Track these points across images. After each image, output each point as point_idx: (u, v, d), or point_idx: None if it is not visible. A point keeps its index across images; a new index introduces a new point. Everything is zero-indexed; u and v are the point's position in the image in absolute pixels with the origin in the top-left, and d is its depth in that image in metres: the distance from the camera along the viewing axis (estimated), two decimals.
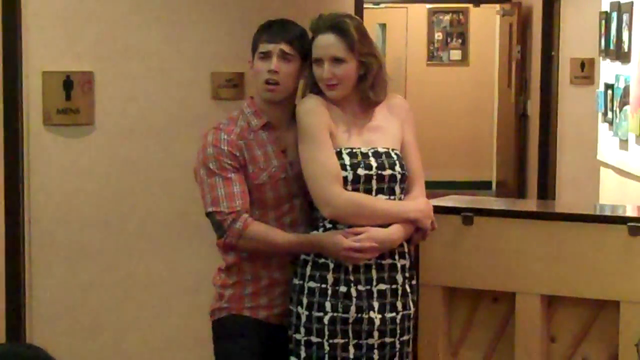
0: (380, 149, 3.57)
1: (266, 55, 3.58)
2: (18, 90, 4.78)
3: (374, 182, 3.51)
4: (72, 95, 4.86)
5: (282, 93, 3.60)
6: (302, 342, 3.53)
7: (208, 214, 3.58)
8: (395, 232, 3.52)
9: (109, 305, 5.03)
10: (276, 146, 3.63)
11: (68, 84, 4.85)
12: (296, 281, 3.57)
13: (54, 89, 4.83)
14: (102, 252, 4.99)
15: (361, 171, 3.50)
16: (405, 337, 3.61)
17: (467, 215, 4.25)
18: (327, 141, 3.50)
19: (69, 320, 4.99)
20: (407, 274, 3.62)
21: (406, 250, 3.62)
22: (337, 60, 3.53)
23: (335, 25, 3.55)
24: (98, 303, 5.02)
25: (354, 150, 3.53)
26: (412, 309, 3.64)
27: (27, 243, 4.87)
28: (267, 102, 3.63)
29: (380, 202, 3.53)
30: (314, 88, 3.62)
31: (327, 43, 3.54)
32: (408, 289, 3.62)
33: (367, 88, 3.58)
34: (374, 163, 3.52)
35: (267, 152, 3.61)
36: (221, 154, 3.56)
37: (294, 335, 3.56)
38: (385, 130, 3.63)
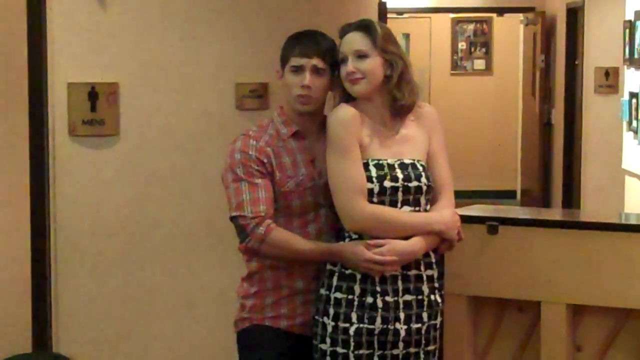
0: (407, 160, 3.55)
1: (299, 69, 3.58)
2: (43, 102, 4.81)
3: (399, 194, 3.50)
4: (97, 106, 4.88)
5: (313, 105, 3.60)
6: (328, 353, 3.51)
7: (232, 218, 3.56)
8: (417, 243, 3.50)
9: (134, 315, 5.04)
10: (305, 155, 3.62)
11: (93, 95, 4.88)
12: (322, 291, 3.55)
13: (79, 101, 4.86)
14: (128, 261, 5.00)
15: (387, 183, 3.48)
16: (431, 347, 3.59)
17: (492, 224, 4.24)
18: (356, 154, 3.48)
19: (94, 330, 5.00)
20: (436, 285, 3.60)
21: (433, 260, 3.60)
22: (360, 56, 3.53)
23: (361, 24, 3.59)
24: (123, 312, 5.03)
25: (381, 162, 3.51)
26: (439, 319, 3.63)
27: (52, 253, 4.90)
28: (297, 113, 3.63)
29: (404, 215, 3.51)
30: (345, 98, 3.60)
31: (351, 40, 3.56)
32: (438, 299, 3.60)
33: (393, 87, 3.55)
34: (400, 175, 3.50)
35: (296, 161, 3.60)
36: (248, 159, 3.55)
37: (319, 346, 3.54)
38: (413, 141, 3.61)
